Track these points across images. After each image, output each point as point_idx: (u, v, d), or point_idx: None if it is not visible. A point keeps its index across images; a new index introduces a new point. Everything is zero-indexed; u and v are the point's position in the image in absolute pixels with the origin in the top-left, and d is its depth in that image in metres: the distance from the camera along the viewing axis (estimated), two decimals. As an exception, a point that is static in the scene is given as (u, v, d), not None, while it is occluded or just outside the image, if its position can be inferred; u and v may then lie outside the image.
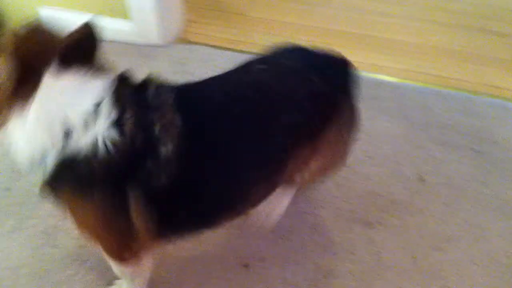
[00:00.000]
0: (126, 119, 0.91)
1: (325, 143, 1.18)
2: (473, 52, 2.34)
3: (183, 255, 1.45)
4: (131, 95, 0.95)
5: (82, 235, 1.03)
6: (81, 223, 1.01)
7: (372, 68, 2.19)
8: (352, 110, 1.25)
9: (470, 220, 1.59)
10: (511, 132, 1.91)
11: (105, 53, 0.99)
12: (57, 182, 0.94)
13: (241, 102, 1.05)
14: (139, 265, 1.15)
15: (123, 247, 1.05)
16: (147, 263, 1.19)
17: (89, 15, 1.87)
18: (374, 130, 1.80)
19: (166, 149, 0.93)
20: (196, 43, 2.34)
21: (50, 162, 0.90)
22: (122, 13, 2.18)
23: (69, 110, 0.88)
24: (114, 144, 0.89)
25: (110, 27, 2.23)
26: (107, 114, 0.90)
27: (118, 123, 0.90)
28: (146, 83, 1.00)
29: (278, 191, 1.42)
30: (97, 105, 0.90)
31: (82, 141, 0.89)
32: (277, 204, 1.49)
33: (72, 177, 0.92)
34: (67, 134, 0.88)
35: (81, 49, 0.93)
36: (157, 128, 0.93)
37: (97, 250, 1.33)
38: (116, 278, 1.33)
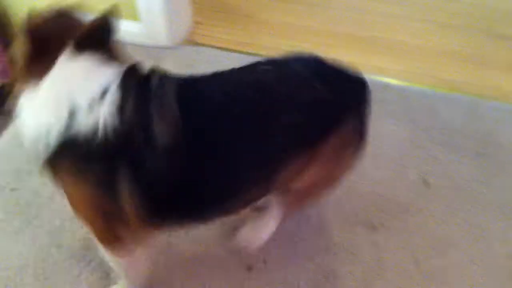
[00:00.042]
0: (128, 106, 0.95)
1: (321, 155, 1.14)
2: (479, 55, 2.33)
3: (186, 257, 1.46)
4: (136, 84, 0.99)
5: (76, 215, 1.07)
6: (74, 202, 1.04)
7: (376, 71, 2.19)
8: (358, 131, 1.20)
9: (472, 222, 1.59)
10: (516, 136, 1.91)
11: (121, 44, 1.07)
12: (56, 160, 0.97)
13: (241, 101, 1.07)
14: (131, 256, 1.17)
15: (112, 230, 1.08)
16: (140, 256, 1.20)
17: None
18: (379, 132, 1.79)
19: (162, 137, 0.96)
20: (203, 45, 2.34)
21: (53, 139, 0.94)
22: (131, 14, 2.19)
23: (77, 92, 0.94)
24: (113, 128, 0.93)
25: (119, 29, 2.24)
26: (111, 100, 0.95)
27: (120, 109, 0.95)
28: (151, 74, 1.04)
29: (266, 214, 1.43)
30: (104, 91, 0.95)
31: (84, 123, 0.93)
32: (263, 228, 1.46)
33: (70, 156, 0.96)
34: (72, 114, 0.93)
35: (96, 37, 0.99)
36: (155, 117, 0.96)
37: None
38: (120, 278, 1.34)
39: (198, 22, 2.49)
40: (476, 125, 1.94)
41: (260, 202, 1.33)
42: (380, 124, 1.83)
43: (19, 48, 0.95)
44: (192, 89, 1.07)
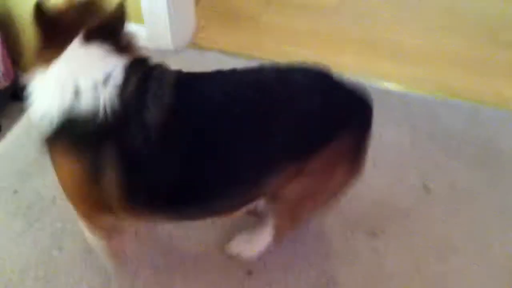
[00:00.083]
0: (127, 92, 1.01)
1: (310, 166, 1.12)
2: (480, 61, 2.33)
3: (186, 260, 1.47)
4: (139, 74, 1.05)
5: (63, 192, 1.13)
6: (61, 178, 1.11)
7: (377, 76, 2.18)
8: (353, 151, 1.19)
9: (474, 228, 1.59)
10: (517, 142, 1.91)
11: (134, 38, 1.14)
12: (55, 139, 1.04)
13: (241, 101, 1.08)
14: (111, 237, 1.24)
15: (94, 211, 1.15)
16: (121, 239, 1.27)
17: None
18: (380, 138, 1.79)
19: (151, 123, 1.00)
20: (207, 49, 2.35)
21: (56, 117, 1.00)
22: (135, 17, 2.20)
23: (82, 77, 1.00)
24: (112, 111, 0.99)
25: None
26: (113, 85, 1.01)
27: (119, 94, 1.01)
28: (155, 66, 1.11)
29: (262, 228, 1.42)
30: (107, 77, 1.01)
31: (85, 104, 0.99)
32: (257, 241, 1.46)
33: (68, 134, 1.02)
34: (75, 96, 0.99)
35: (108, 29, 1.07)
36: (149, 103, 1.01)
37: (103, 255, 1.37)
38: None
39: (202, 25, 2.50)
40: (477, 131, 1.94)
41: (259, 208, 1.34)
42: (381, 129, 1.83)
43: (34, 34, 1.04)
44: (190, 81, 1.12)
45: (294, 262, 1.47)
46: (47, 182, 1.63)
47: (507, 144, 1.89)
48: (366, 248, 1.52)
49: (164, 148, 1.03)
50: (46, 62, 1.03)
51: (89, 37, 1.03)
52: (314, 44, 2.41)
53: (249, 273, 1.44)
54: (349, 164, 1.20)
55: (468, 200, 1.67)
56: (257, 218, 1.45)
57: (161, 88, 1.04)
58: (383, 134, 1.84)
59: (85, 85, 0.99)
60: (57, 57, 1.02)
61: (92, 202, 1.11)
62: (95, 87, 0.99)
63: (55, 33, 1.03)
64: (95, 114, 0.98)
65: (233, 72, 1.14)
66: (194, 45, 2.39)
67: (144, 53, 1.14)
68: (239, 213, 1.29)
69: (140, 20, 2.21)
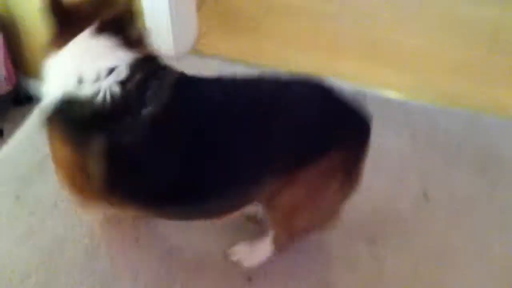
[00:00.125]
0: (129, 84, 1.05)
1: (300, 177, 1.12)
2: (480, 68, 2.33)
3: (186, 265, 1.47)
4: (145, 70, 1.09)
5: (54, 170, 1.20)
6: (53, 157, 1.17)
7: (377, 84, 2.17)
8: (346, 168, 1.18)
9: (473, 236, 1.59)
10: (517, 150, 1.91)
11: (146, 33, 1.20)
12: (53, 117, 1.10)
13: (241, 101, 1.11)
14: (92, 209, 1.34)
15: (81, 192, 1.20)
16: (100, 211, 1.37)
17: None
18: (379, 145, 1.77)
19: (147, 121, 1.03)
20: (208, 55, 2.35)
21: (57, 98, 1.06)
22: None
23: (88, 64, 1.06)
24: (110, 102, 1.03)
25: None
26: (116, 76, 1.05)
27: (122, 85, 1.05)
28: (163, 65, 1.15)
29: (263, 239, 1.43)
30: (111, 69, 1.05)
31: (86, 91, 1.04)
32: (257, 251, 1.46)
33: (64, 117, 1.08)
34: (80, 81, 1.04)
35: (118, 23, 1.12)
36: (148, 101, 1.05)
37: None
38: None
39: (203, 32, 2.50)
40: (477, 139, 1.95)
41: (259, 216, 1.34)
42: (380, 137, 1.82)
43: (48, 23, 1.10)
44: (190, 82, 1.15)
45: (294, 269, 1.47)
46: (49, 188, 1.63)
47: (507, 151, 1.89)
48: (366, 255, 1.52)
49: (160, 146, 1.06)
50: (59, 48, 1.09)
51: (101, 29, 1.08)
52: (315, 50, 2.41)
53: (249, 279, 1.44)
54: (343, 178, 1.19)
55: (468, 208, 1.68)
56: (258, 226, 1.46)
57: (161, 88, 1.06)
58: (383, 142, 1.84)
59: (89, 74, 1.04)
60: (69, 42, 1.08)
61: (79, 185, 1.17)
62: (98, 78, 1.04)
63: (69, 23, 1.09)
64: (91, 103, 1.03)
65: (233, 78, 1.16)
66: (196, 51, 2.39)
67: (154, 50, 1.18)
68: (236, 215, 1.30)
69: (141, 25, 2.22)
